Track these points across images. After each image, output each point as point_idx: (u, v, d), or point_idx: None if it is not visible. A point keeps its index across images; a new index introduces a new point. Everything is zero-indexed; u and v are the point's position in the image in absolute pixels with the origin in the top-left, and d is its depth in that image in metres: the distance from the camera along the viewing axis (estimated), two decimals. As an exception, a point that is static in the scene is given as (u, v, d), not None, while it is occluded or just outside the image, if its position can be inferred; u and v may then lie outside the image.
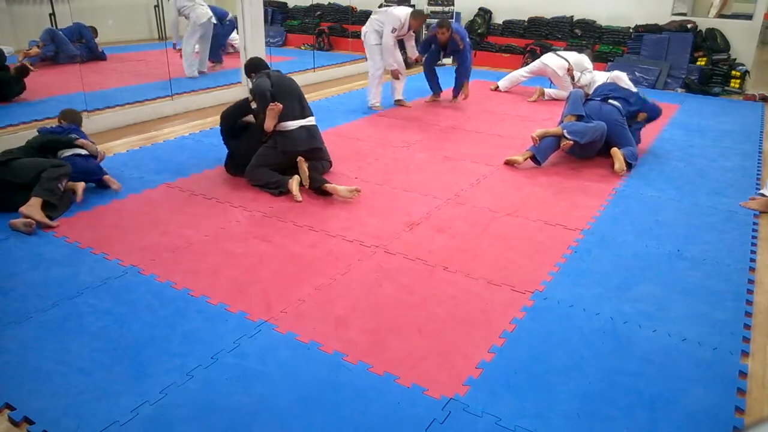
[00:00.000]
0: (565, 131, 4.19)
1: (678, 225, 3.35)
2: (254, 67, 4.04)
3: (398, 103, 6.08)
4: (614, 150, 4.22)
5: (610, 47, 8.12)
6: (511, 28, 8.92)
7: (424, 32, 8.62)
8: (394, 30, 5.59)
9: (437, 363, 2.11)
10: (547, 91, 6.58)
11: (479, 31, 9.03)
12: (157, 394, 1.93)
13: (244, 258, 2.84)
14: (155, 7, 9.37)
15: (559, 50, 6.84)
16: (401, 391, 1.97)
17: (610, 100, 4.40)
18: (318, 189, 3.56)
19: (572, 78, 6.27)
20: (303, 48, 9.84)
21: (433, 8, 8.95)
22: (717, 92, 7.15)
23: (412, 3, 9.39)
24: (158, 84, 6.43)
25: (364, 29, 5.84)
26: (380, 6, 9.25)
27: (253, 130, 3.87)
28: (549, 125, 4.82)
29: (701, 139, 5.18)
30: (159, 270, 2.71)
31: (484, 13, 9.14)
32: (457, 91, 6.18)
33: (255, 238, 3.04)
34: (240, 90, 6.14)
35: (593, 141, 4.24)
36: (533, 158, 4.27)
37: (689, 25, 7.54)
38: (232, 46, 8.58)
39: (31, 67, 6.93)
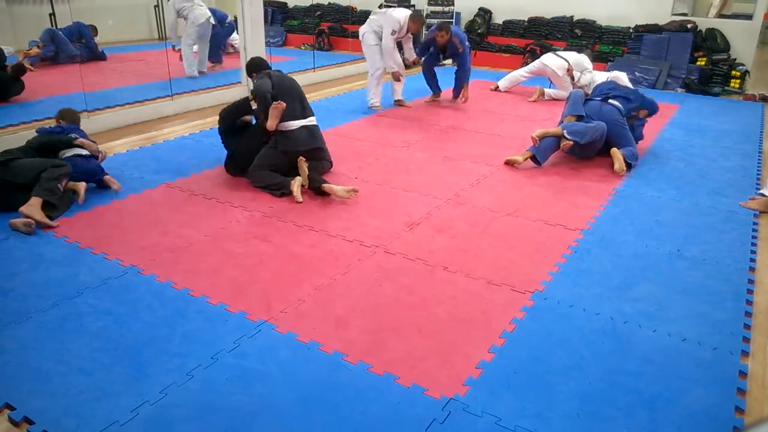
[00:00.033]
0: (565, 131, 4.19)
1: (678, 225, 3.35)
2: (255, 67, 4.04)
3: (398, 103, 6.09)
4: (614, 150, 4.22)
5: (610, 47, 8.12)
6: (511, 28, 8.92)
7: (424, 32, 8.63)
8: (393, 32, 5.59)
9: (437, 363, 2.11)
10: (547, 91, 6.58)
11: (479, 31, 9.03)
12: (157, 394, 1.93)
13: (244, 258, 2.84)
14: (155, 7, 9.38)
15: (558, 50, 6.84)
16: (401, 391, 1.97)
17: (610, 100, 4.40)
18: (317, 189, 3.56)
19: (572, 78, 6.27)
20: (303, 48, 9.84)
21: (433, 8, 8.95)
22: (717, 92, 7.15)
23: (412, 3, 9.40)
24: (158, 84, 6.43)
25: (362, 30, 5.84)
26: (380, 6, 9.25)
27: (253, 130, 3.87)
28: (549, 125, 4.82)
29: (701, 139, 5.18)
30: (159, 270, 2.71)
31: (484, 13, 9.14)
32: (457, 92, 6.18)
33: (255, 238, 3.04)
34: (240, 90, 6.14)
35: (593, 141, 4.24)
36: (533, 158, 4.27)
37: (689, 25, 7.54)
38: (232, 46, 8.59)
39: (32, 68, 6.95)
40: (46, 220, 3.09)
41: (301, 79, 5.97)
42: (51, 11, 7.53)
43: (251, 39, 6.10)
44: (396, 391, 1.97)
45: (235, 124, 3.93)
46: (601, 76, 5.84)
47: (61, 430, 1.78)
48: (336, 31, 10.01)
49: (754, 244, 3.15)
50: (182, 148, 4.56)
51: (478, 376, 2.05)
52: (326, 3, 10.41)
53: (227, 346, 2.18)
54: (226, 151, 3.97)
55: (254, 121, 4.00)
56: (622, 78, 5.23)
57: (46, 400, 1.90)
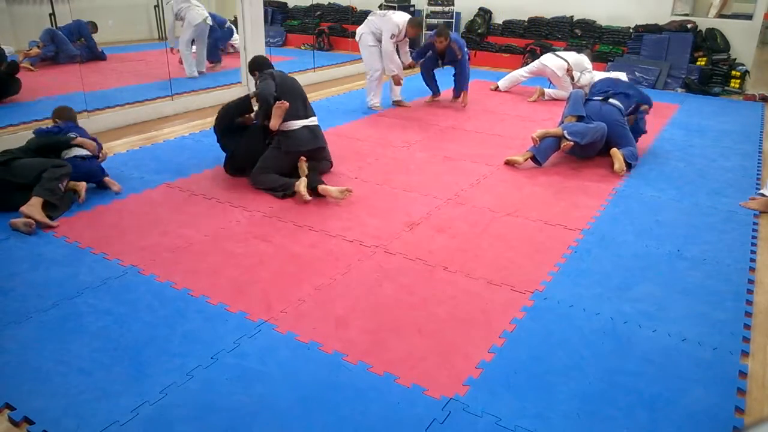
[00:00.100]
0: (565, 132, 4.19)
1: (678, 225, 3.35)
2: (258, 65, 4.03)
3: (397, 103, 6.08)
4: (614, 150, 4.22)
5: (610, 47, 8.11)
6: (511, 28, 8.92)
7: (424, 35, 8.62)
8: (393, 36, 5.60)
9: (437, 363, 2.11)
10: (547, 91, 6.58)
11: (479, 31, 9.03)
12: (157, 394, 1.93)
13: (244, 258, 2.84)
14: (155, 7, 9.38)
15: (558, 50, 6.84)
16: (401, 391, 1.97)
17: (610, 99, 4.40)
18: (313, 189, 3.56)
19: (572, 78, 6.27)
20: (303, 48, 9.84)
21: (433, 8, 8.96)
22: (717, 92, 7.15)
23: (412, 3, 9.40)
24: (158, 84, 6.44)
25: (359, 30, 5.82)
26: (380, 6, 9.25)
27: (253, 130, 3.86)
28: (549, 125, 4.82)
29: (701, 139, 5.18)
30: (159, 270, 2.71)
31: (484, 13, 9.14)
32: (457, 93, 6.18)
33: (255, 238, 3.04)
34: (240, 90, 6.14)
35: (593, 142, 4.24)
36: (533, 159, 4.27)
37: (689, 25, 7.54)
38: (232, 46, 8.60)
39: (32, 68, 6.96)
40: (47, 220, 3.09)
41: (301, 79, 5.95)
42: (51, 11, 7.53)
43: (251, 39, 6.11)
44: (396, 391, 1.97)
45: (233, 123, 3.92)
46: (600, 77, 5.83)
47: (61, 430, 1.78)
48: (336, 31, 10.01)
49: (754, 244, 3.15)
50: (182, 148, 4.56)
51: (478, 376, 2.05)
52: (326, 3, 10.41)
53: (227, 346, 2.18)
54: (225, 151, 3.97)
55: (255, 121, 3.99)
56: (622, 78, 5.24)
57: (46, 400, 1.90)
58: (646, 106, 4.61)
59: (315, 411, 1.88)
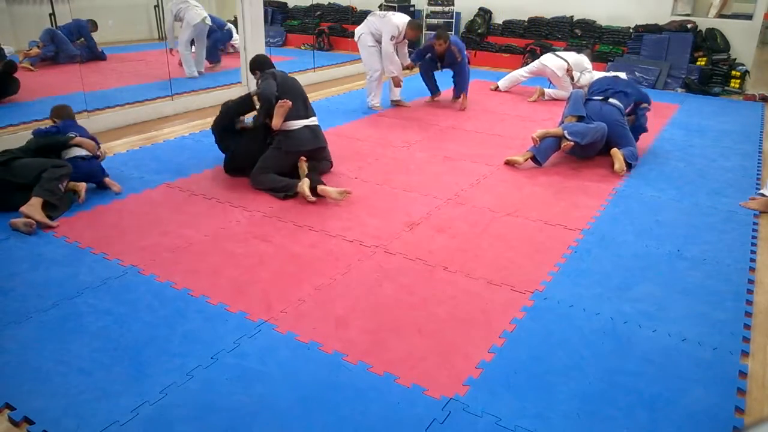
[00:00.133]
0: (565, 132, 4.19)
1: (678, 225, 3.35)
2: (259, 64, 4.01)
3: (396, 103, 6.08)
4: (614, 150, 4.22)
5: (610, 47, 8.11)
6: (511, 28, 8.92)
7: (424, 35, 8.62)
8: (393, 38, 5.60)
9: (437, 363, 2.11)
10: (547, 91, 6.58)
11: (479, 31, 9.03)
12: (157, 394, 1.93)
13: (244, 258, 2.84)
14: (155, 7, 9.37)
15: (558, 50, 6.84)
16: (401, 391, 1.97)
17: (610, 99, 4.39)
18: (313, 189, 3.56)
19: (571, 78, 6.27)
20: (303, 48, 9.84)
21: (433, 8, 8.96)
22: (717, 92, 7.15)
23: (412, 3, 9.40)
24: (158, 84, 6.44)
25: (358, 30, 5.82)
26: (380, 6, 9.25)
27: (253, 130, 3.86)
28: (549, 125, 4.82)
29: (701, 139, 5.18)
30: (159, 270, 2.71)
31: (484, 13, 9.14)
32: (457, 94, 6.18)
33: (255, 238, 3.04)
34: (240, 90, 6.14)
35: (594, 142, 4.24)
36: (534, 159, 4.27)
37: (689, 25, 7.54)
38: (233, 46, 8.61)
39: (32, 68, 6.96)
40: (47, 220, 3.09)
41: (301, 79, 5.95)
42: (51, 11, 7.53)
43: (251, 39, 6.11)
44: (396, 391, 1.97)
45: (233, 123, 3.92)
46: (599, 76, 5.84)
47: (61, 430, 1.78)
48: (336, 31, 10.01)
49: (754, 244, 3.15)
50: (182, 148, 4.56)
51: (478, 376, 2.05)
52: (326, 3, 10.41)
53: (227, 346, 2.18)
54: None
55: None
56: (621, 77, 5.24)
57: (46, 400, 1.90)
58: (645, 104, 4.62)
59: (315, 411, 1.88)
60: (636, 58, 7.70)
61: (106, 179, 3.61)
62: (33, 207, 3.09)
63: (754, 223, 3.41)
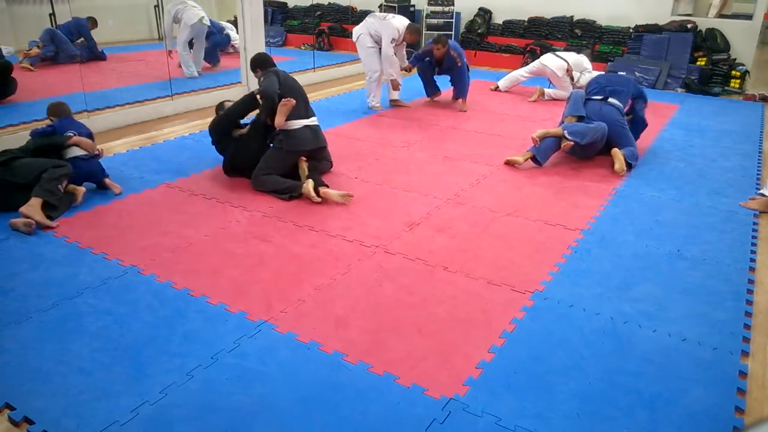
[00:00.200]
0: (565, 132, 4.19)
1: (678, 225, 3.35)
2: (261, 63, 3.98)
3: (395, 103, 6.08)
4: (614, 150, 4.22)
5: (610, 47, 8.11)
6: (511, 28, 8.92)
7: (424, 35, 8.62)
8: (393, 41, 5.61)
9: (437, 363, 2.11)
10: (547, 91, 6.58)
11: (479, 31, 9.03)
12: (157, 394, 1.93)
13: (244, 258, 2.84)
14: (155, 7, 9.37)
15: (558, 50, 6.84)
16: (401, 391, 1.97)
17: (610, 99, 4.39)
18: (316, 191, 3.55)
19: (571, 78, 6.27)
20: (303, 48, 9.84)
21: (433, 8, 8.95)
22: (717, 92, 7.15)
23: (412, 3, 9.40)
24: (158, 84, 6.44)
25: (357, 30, 5.81)
26: (380, 7, 9.25)
27: (253, 130, 3.85)
28: (549, 125, 4.82)
29: (701, 139, 5.18)
30: (159, 270, 2.71)
31: (484, 13, 9.14)
32: (456, 96, 6.17)
33: (255, 238, 3.04)
34: (240, 90, 6.14)
35: (594, 141, 4.24)
36: (534, 159, 4.27)
37: (689, 25, 7.54)
38: (233, 46, 8.61)
39: (32, 68, 6.95)
40: (46, 221, 3.09)
41: (301, 79, 5.96)
42: (51, 11, 7.53)
43: (251, 39, 6.11)
44: (396, 391, 1.97)
45: (232, 125, 3.90)
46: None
47: (61, 430, 1.78)
48: (336, 31, 10.01)
49: (754, 244, 3.15)
50: (182, 148, 4.56)
51: (478, 376, 2.05)
52: (326, 3, 10.41)
53: (227, 346, 2.18)
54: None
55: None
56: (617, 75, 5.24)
57: (46, 400, 1.90)
58: (641, 99, 4.62)
59: (315, 411, 1.88)
60: (636, 58, 7.70)
61: (107, 180, 3.60)
62: (32, 207, 3.09)
63: (754, 223, 3.41)
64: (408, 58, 6.11)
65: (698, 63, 7.40)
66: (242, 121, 4.00)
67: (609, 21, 8.31)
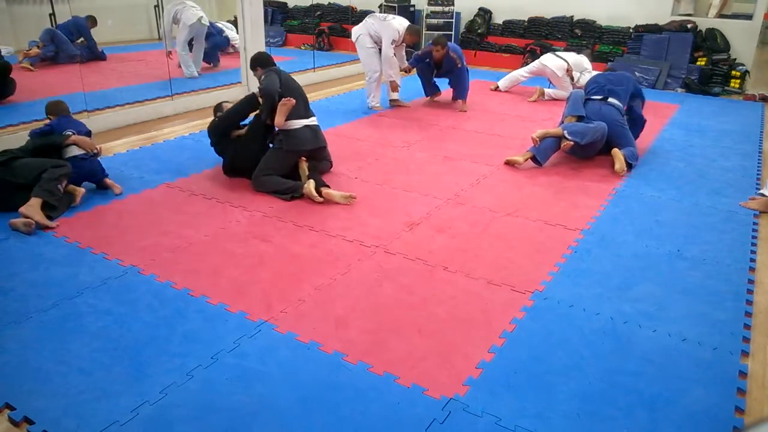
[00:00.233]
0: (565, 132, 4.19)
1: (678, 225, 3.35)
2: (261, 61, 3.97)
3: (394, 103, 6.08)
4: (615, 150, 4.22)
5: (610, 47, 8.11)
6: (511, 28, 8.92)
7: (424, 35, 8.62)
8: (393, 42, 5.61)
9: (437, 363, 2.11)
10: (547, 91, 6.58)
11: (479, 31, 9.03)
12: (157, 394, 1.93)
13: (244, 258, 2.84)
14: (155, 7, 9.37)
15: (558, 50, 6.84)
16: (401, 391, 1.97)
17: (609, 99, 4.39)
18: (318, 191, 3.55)
19: (571, 78, 6.27)
20: (303, 48, 9.84)
21: (433, 8, 8.95)
22: (717, 92, 7.15)
23: (412, 3, 9.40)
24: (158, 84, 6.44)
25: (356, 31, 5.80)
26: (380, 7, 9.25)
27: (253, 131, 3.85)
28: (549, 125, 4.82)
29: (701, 139, 5.18)
30: (159, 270, 2.71)
31: (484, 13, 9.14)
32: (456, 96, 6.16)
33: (255, 238, 3.04)
34: (240, 90, 6.14)
35: (594, 141, 4.24)
36: (534, 159, 4.27)
37: (689, 25, 7.54)
38: (233, 46, 8.61)
39: (32, 68, 6.95)
40: (46, 221, 3.09)
41: (301, 79, 5.97)
42: (51, 11, 7.53)
43: (251, 39, 6.10)
44: (396, 391, 1.97)
45: (232, 126, 3.90)
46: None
47: (61, 430, 1.78)
48: (336, 31, 10.01)
49: (754, 244, 3.15)
50: (182, 148, 4.56)
51: (478, 376, 2.05)
52: (326, 3, 10.41)
53: (227, 346, 2.18)
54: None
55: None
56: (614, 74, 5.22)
57: (46, 400, 1.90)
58: (638, 100, 4.61)
59: (315, 411, 1.88)
60: (636, 58, 7.70)
61: (107, 180, 3.60)
62: (32, 207, 3.09)
63: (754, 223, 3.41)
64: (407, 59, 6.11)
65: (698, 63, 7.40)
66: (241, 122, 4.00)
67: (609, 21, 8.31)
